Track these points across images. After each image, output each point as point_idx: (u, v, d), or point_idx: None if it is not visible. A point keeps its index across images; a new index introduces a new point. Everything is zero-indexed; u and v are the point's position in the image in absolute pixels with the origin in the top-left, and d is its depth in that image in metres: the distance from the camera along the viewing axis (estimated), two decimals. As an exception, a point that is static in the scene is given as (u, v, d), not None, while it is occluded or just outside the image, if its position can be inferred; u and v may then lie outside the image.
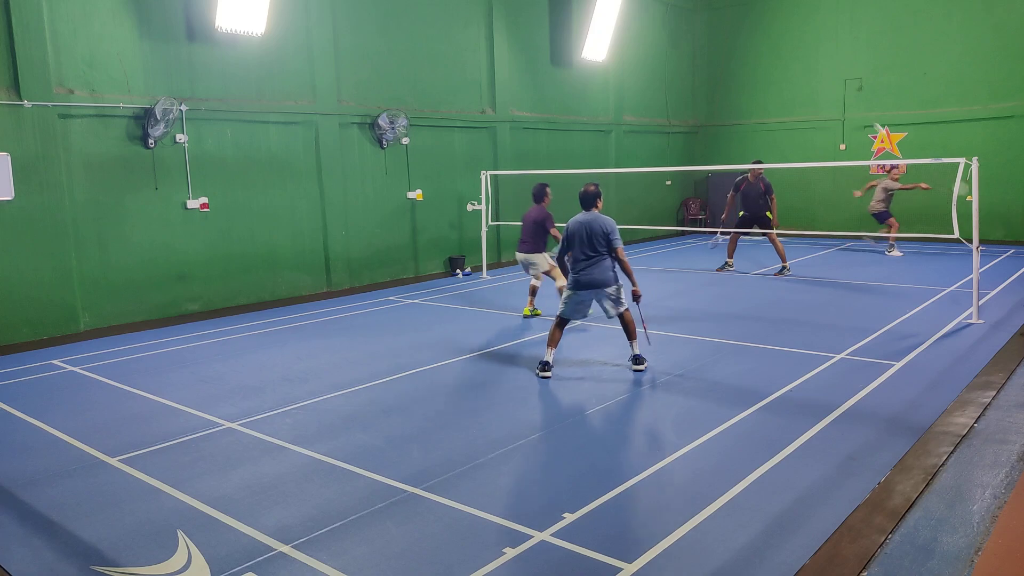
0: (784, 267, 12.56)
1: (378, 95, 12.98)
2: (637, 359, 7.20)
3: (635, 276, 7.06)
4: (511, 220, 14.90)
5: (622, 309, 7.12)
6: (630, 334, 7.21)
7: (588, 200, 7.24)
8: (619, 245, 7.04)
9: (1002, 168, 15.71)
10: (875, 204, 14.33)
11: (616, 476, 4.79)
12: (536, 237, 9.29)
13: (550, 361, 7.15)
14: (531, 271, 9.61)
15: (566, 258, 7.66)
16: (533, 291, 9.82)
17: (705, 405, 6.16)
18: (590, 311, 7.26)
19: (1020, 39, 15.65)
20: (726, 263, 13.22)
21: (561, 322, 7.25)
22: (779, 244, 12.63)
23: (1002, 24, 15.80)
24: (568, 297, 7.18)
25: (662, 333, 8.71)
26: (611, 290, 7.07)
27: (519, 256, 9.47)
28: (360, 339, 8.98)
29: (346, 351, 8.38)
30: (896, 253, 14.50)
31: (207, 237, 10.91)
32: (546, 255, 9.36)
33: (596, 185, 7.32)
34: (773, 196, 12.51)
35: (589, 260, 7.04)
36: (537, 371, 7.16)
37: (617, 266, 7.10)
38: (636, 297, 7.13)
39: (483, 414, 6.19)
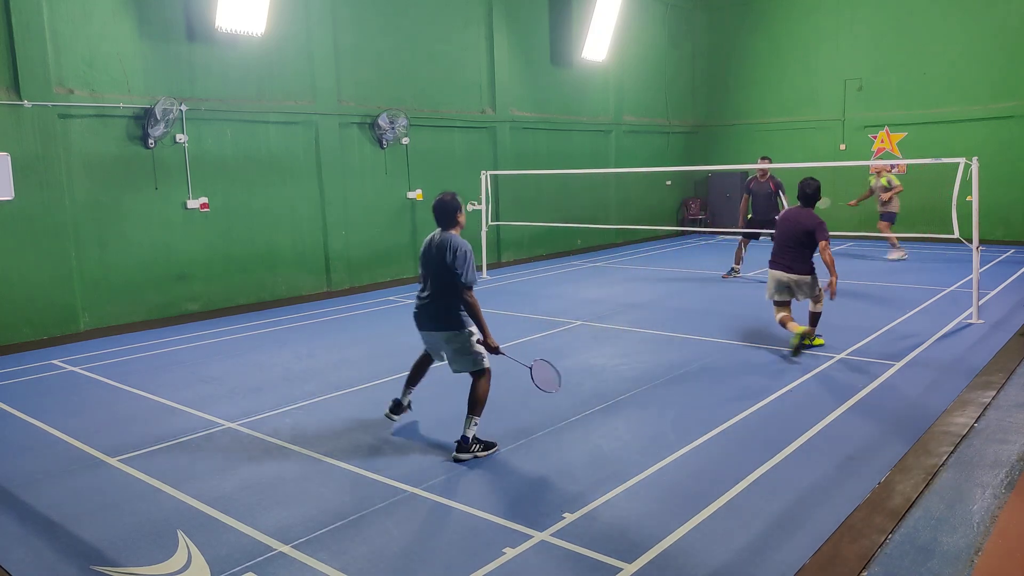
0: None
1: (378, 95, 12.97)
2: (463, 444, 5.11)
3: (487, 325, 5.17)
4: (511, 220, 14.93)
5: (475, 367, 5.21)
6: (471, 405, 5.17)
7: (444, 213, 5.26)
8: (469, 282, 5.03)
9: (1002, 168, 15.70)
10: (894, 204, 13.90)
11: (616, 476, 4.79)
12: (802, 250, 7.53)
13: (401, 400, 5.74)
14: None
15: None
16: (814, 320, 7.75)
17: (705, 405, 6.16)
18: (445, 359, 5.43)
19: (1020, 39, 15.65)
20: (733, 269, 12.29)
21: (424, 357, 5.70)
22: None
23: (1002, 24, 15.80)
24: None
25: (662, 333, 8.71)
26: (452, 340, 5.20)
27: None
28: (360, 339, 8.98)
29: (346, 351, 8.38)
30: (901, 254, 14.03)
31: (207, 237, 10.91)
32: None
33: (454, 195, 5.34)
34: (784, 196, 11.43)
35: (427, 296, 5.28)
36: (385, 411, 5.76)
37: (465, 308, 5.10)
38: (491, 349, 5.22)
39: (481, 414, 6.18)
